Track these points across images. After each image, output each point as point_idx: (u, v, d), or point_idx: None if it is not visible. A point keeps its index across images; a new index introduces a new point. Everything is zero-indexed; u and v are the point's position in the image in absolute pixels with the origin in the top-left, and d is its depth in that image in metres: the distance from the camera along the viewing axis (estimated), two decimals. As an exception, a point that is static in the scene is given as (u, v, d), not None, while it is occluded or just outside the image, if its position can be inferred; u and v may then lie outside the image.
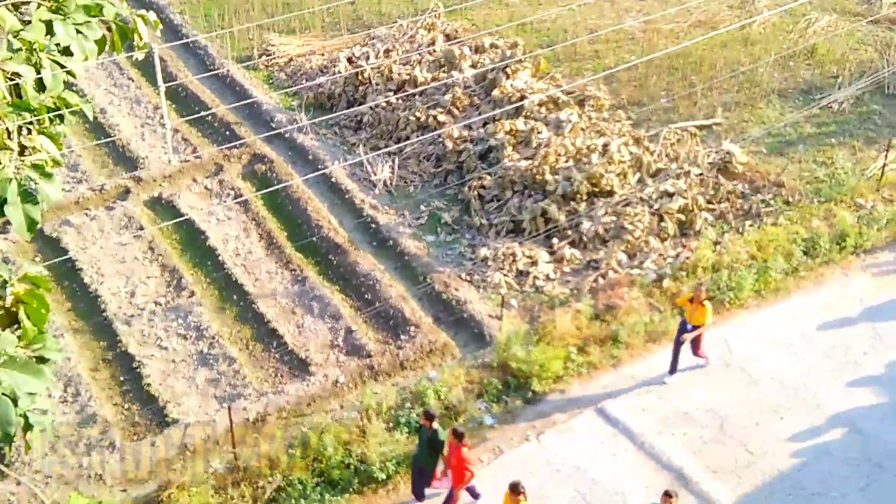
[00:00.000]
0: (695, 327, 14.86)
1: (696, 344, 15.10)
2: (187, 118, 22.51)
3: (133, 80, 24.97)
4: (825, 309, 16.53)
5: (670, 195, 18.84)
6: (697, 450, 14.08)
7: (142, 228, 18.89)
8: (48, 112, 7.22)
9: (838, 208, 18.68)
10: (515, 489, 11.97)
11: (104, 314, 16.74)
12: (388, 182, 20.55)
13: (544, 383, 15.19)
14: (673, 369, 15.24)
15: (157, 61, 20.37)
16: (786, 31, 25.70)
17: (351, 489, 13.47)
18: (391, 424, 14.47)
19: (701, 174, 19.55)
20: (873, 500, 13.19)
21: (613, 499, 13.37)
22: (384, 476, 13.56)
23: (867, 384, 15.04)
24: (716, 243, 17.87)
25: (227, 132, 22.44)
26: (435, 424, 12.92)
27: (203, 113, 22.76)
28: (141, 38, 7.64)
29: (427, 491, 13.43)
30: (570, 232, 18.41)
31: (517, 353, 15.41)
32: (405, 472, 13.70)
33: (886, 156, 19.67)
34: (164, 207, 19.86)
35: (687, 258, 17.48)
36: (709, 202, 19.06)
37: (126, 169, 21.07)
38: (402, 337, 16.29)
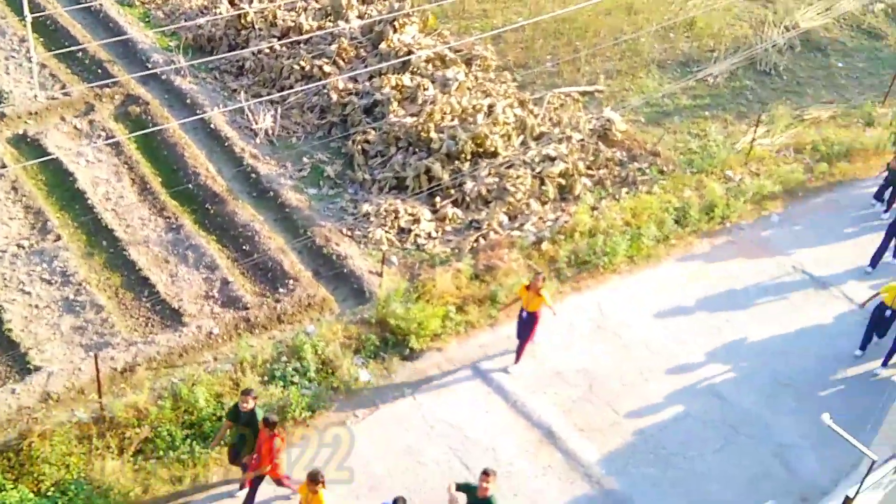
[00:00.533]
0: (530, 315, 14.61)
1: (531, 326, 14.75)
2: (56, 52, 21.23)
3: (-4, 8, 23.34)
4: (692, 277, 17.23)
5: (552, 159, 19.15)
6: (567, 409, 14.54)
7: (4, 166, 17.81)
8: None
9: (709, 179, 19.45)
10: (314, 478, 11.07)
11: (-39, 255, 15.79)
12: (270, 131, 20.05)
13: (422, 341, 15.29)
14: (518, 358, 15.08)
15: (24, -11, 19.11)
16: (668, 2, 26.35)
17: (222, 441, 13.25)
18: (266, 378, 14.31)
19: (582, 140, 19.95)
20: (727, 460, 13.97)
21: (485, 455, 13.66)
22: (257, 429, 13.38)
23: (728, 351, 15.83)
24: (593, 208, 18.33)
25: (99, 70, 21.32)
26: (251, 404, 12.02)
27: (73, 48, 21.52)
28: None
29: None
30: (452, 191, 18.49)
31: (396, 310, 15.44)
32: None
33: (756, 131, 20.57)
34: (29, 146, 18.76)
35: (566, 222, 17.86)
36: (588, 168, 19.49)
37: (-13, 103, 19.76)
38: (281, 290, 16.06)
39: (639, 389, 14.98)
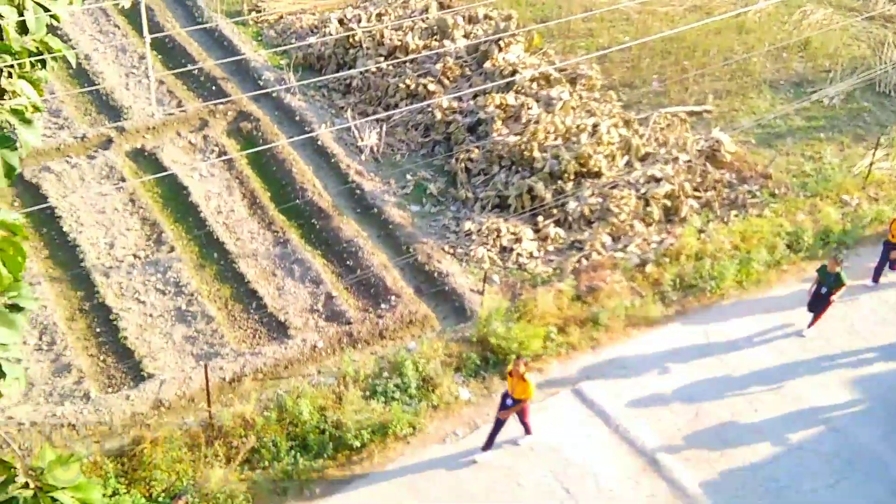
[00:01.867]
0: (516, 401, 13.27)
1: (522, 416, 13.63)
2: (173, 71, 22.11)
3: (119, 28, 24.48)
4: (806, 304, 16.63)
5: (657, 180, 18.83)
6: (671, 436, 14.18)
7: (123, 180, 18.58)
8: (30, 56, 7.03)
9: (823, 203, 18.79)
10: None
11: (82, 264, 16.49)
12: (375, 149, 20.35)
13: (523, 361, 15.16)
14: (488, 445, 13.64)
15: (143, 10, 19.93)
16: (781, 21, 25.69)
17: (325, 454, 13.42)
18: (367, 393, 14.43)
19: (689, 161, 19.55)
20: (842, 496, 13.36)
21: (586, 480, 13.44)
22: (358, 444, 13.52)
23: (843, 382, 15.20)
24: (700, 231, 17.91)
25: (213, 87, 22.08)
26: None
27: (189, 67, 22.36)
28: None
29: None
30: (555, 211, 18.36)
31: (497, 329, 15.38)
32: (379, 440, 13.69)
33: (874, 154, 19.79)
34: (146, 159, 19.54)
35: (671, 244, 17.51)
36: (695, 189, 19.09)
37: (109, 118, 20.69)
38: (383, 306, 16.21)
39: (747, 419, 14.49)
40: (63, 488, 5.86)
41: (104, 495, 12.16)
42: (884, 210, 18.68)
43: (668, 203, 18.57)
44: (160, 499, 12.47)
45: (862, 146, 20.79)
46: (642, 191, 18.63)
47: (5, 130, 6.19)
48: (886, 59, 23.60)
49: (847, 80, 22.92)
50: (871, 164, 19.70)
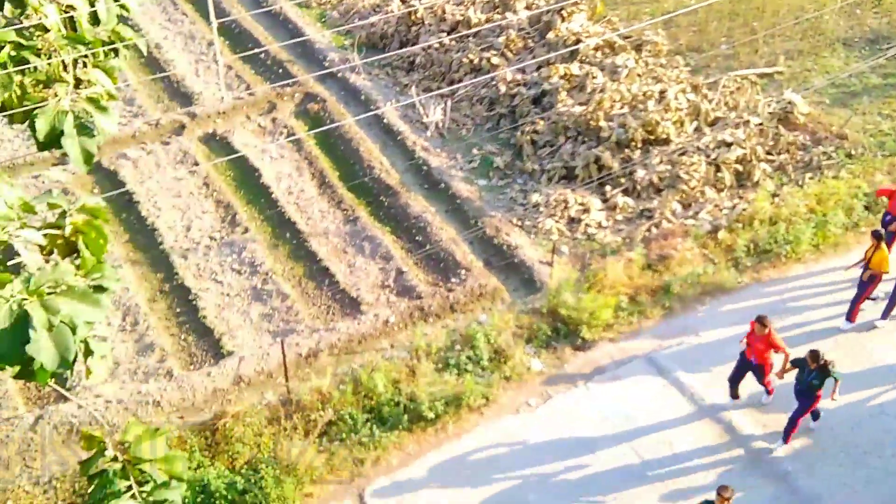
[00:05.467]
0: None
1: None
2: (240, 55, 22.49)
3: (186, 16, 24.96)
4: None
5: (728, 145, 18.48)
6: (748, 403, 14.01)
7: (197, 164, 19.04)
8: (103, 45, 7.24)
9: (903, 163, 18.21)
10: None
11: (161, 247, 17.00)
12: (440, 124, 20.41)
13: (594, 331, 15.17)
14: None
15: (210, -4, 20.31)
16: (854, -23, 24.81)
17: (400, 426, 13.65)
18: (440, 365, 14.59)
19: (760, 124, 19.12)
20: (926, 459, 13.07)
21: (660, 448, 13.40)
22: (433, 415, 13.70)
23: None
24: (774, 195, 17.55)
25: (280, 70, 22.40)
26: None
27: (256, 50, 22.70)
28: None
29: None
30: (623, 180, 18.19)
31: (567, 299, 15.37)
32: (453, 411, 13.85)
33: (955, 110, 19.09)
34: (218, 143, 19.97)
35: (744, 210, 17.21)
36: (768, 153, 18.68)
37: (181, 104, 21.17)
38: (453, 280, 16.33)
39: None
40: (150, 461, 6.14)
41: (189, 468, 12.62)
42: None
43: (740, 168, 18.22)
44: (242, 471, 12.86)
45: (943, 102, 20.03)
46: (713, 156, 18.31)
47: (82, 119, 6.41)
48: (968, 11, 22.66)
49: (926, 35, 22.10)
50: (952, 119, 19.02)
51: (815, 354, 12.69)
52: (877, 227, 15.29)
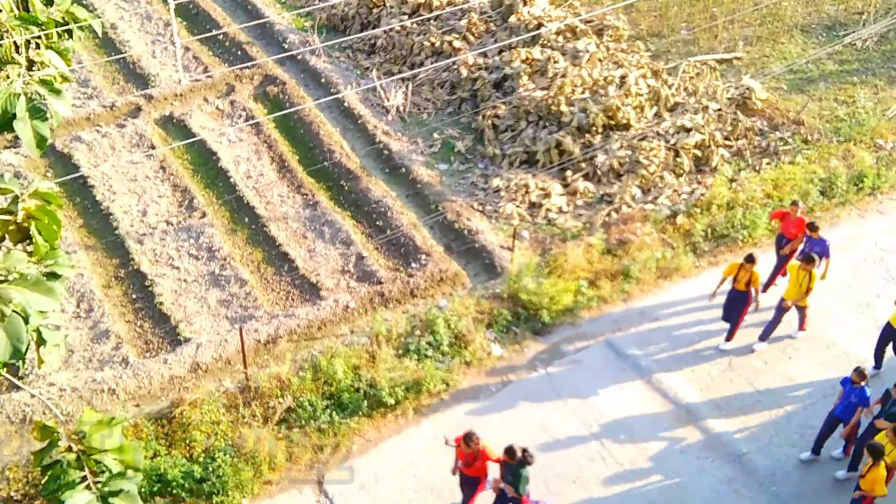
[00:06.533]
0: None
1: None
2: (198, 37, 22.14)
3: (143, -5, 24.49)
4: (840, 250, 16.40)
5: (687, 130, 18.61)
6: (705, 386, 14.19)
7: (153, 147, 18.74)
8: (56, 26, 7.09)
9: (857, 148, 18.47)
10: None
11: (116, 232, 16.72)
12: (402, 108, 20.29)
13: (554, 316, 15.23)
14: None
15: (168, -24, 19.93)
16: (812, -36, 25.04)
17: (360, 412, 13.61)
18: (400, 351, 14.56)
19: (719, 110, 19.28)
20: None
21: (619, 431, 13.52)
22: (393, 401, 13.69)
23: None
24: (732, 180, 17.72)
25: (239, 52, 22.09)
26: None
27: (214, 32, 22.37)
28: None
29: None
30: (584, 165, 18.24)
31: (528, 284, 15.42)
32: (413, 397, 13.85)
33: (909, 96, 19.39)
34: (175, 126, 19.67)
35: (702, 195, 17.36)
36: (726, 138, 18.84)
37: (137, 86, 20.80)
38: (413, 265, 16.28)
39: (781, 367, 14.45)
40: (105, 451, 6.03)
41: (145, 457, 12.47)
42: (920, 153, 18.34)
43: (699, 153, 18.36)
44: (199, 459, 12.74)
45: (897, 88, 20.35)
46: (672, 141, 18.42)
47: (35, 101, 6.27)
48: (922, -2, 23.00)
49: (881, 22, 22.36)
50: (906, 106, 19.33)
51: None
52: (752, 252, 14.45)
